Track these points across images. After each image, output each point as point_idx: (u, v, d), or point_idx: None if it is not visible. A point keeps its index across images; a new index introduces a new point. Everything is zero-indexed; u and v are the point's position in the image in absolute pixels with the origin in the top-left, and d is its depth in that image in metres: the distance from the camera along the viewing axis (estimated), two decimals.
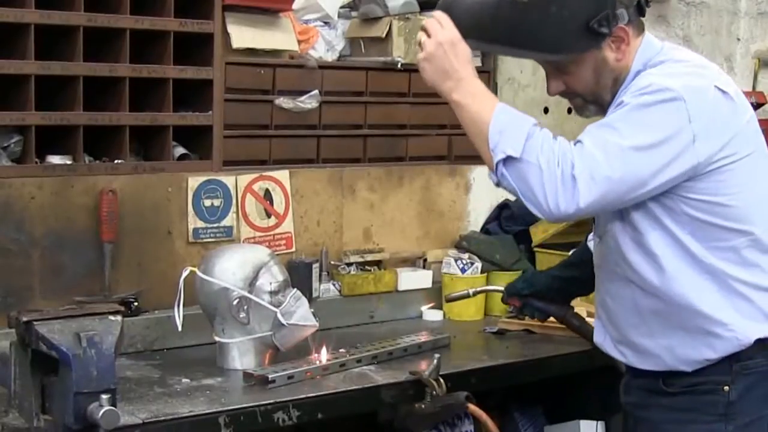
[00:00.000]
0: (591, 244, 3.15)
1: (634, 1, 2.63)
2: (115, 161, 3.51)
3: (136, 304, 3.47)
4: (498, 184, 2.58)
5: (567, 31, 2.56)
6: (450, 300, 3.87)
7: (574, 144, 2.50)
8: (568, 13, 2.54)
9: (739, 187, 2.59)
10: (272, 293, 3.25)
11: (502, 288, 3.66)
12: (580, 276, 3.35)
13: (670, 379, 2.70)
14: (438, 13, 2.66)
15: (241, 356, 3.28)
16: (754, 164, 2.62)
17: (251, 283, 3.24)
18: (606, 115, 2.64)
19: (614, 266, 2.73)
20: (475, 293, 3.80)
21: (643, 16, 2.68)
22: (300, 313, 3.28)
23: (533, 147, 2.47)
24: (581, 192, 2.44)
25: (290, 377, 3.14)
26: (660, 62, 2.65)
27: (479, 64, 4.37)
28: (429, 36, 2.63)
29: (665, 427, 2.72)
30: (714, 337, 2.62)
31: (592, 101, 2.72)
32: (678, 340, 2.66)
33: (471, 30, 2.62)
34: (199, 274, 3.27)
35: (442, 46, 2.60)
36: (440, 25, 2.63)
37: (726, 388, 2.63)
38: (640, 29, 2.69)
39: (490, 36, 2.64)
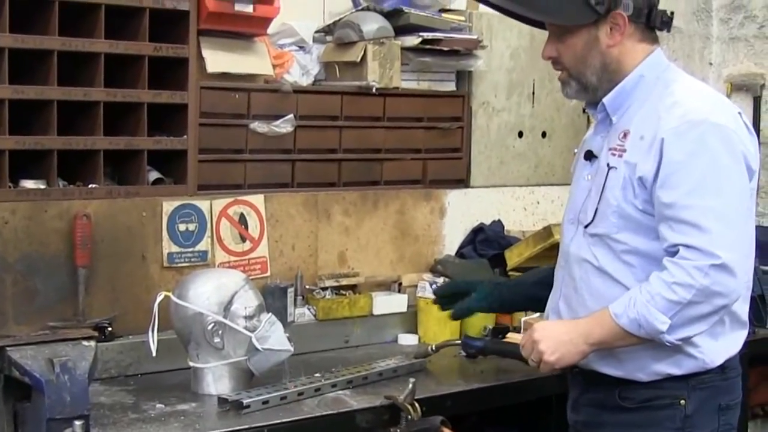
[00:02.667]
0: None
1: (645, 3, 2.72)
2: (90, 186, 3.49)
3: (110, 329, 3.45)
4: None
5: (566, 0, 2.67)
6: (417, 357, 3.80)
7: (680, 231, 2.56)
8: None
9: None
10: (247, 318, 3.25)
11: (460, 341, 3.73)
12: (542, 297, 3.38)
13: (626, 392, 2.72)
14: (520, 339, 2.83)
15: (216, 381, 3.26)
16: (753, 194, 2.74)
17: (226, 308, 3.24)
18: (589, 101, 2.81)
19: (591, 261, 2.75)
20: (438, 348, 3.77)
21: (653, 27, 2.76)
22: (275, 338, 3.27)
23: (661, 303, 2.54)
24: (735, 266, 2.52)
25: (265, 402, 3.13)
26: (671, 81, 2.74)
27: (453, 89, 4.39)
28: (531, 349, 2.75)
29: None
30: (684, 355, 2.66)
31: (575, 78, 2.77)
32: (645, 348, 2.66)
33: None
34: (174, 299, 3.26)
35: (544, 340, 2.71)
36: (530, 338, 2.76)
37: (683, 402, 2.69)
38: (650, 37, 2.77)
39: None
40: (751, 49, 5.34)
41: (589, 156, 2.81)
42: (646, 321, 2.55)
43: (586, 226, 2.74)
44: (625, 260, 2.68)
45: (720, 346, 2.69)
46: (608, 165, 2.70)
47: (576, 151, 3.01)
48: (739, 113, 2.71)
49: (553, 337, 2.69)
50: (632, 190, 2.64)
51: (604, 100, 2.77)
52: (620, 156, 2.68)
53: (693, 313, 2.53)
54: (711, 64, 5.46)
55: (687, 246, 2.53)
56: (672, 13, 2.80)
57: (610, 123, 2.78)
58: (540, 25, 2.88)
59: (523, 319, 4.00)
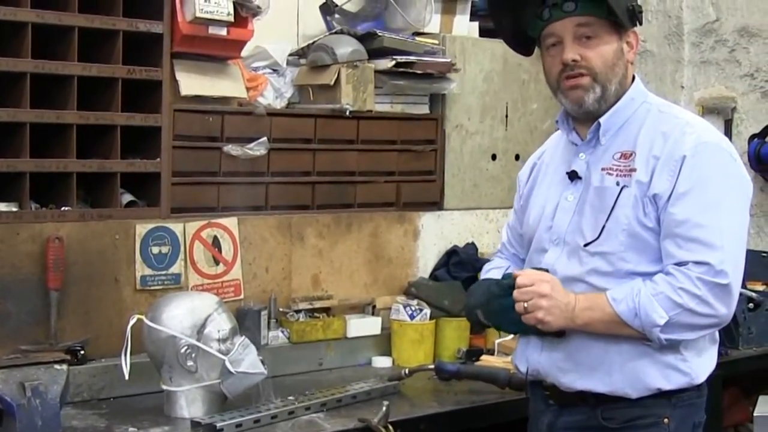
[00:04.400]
0: None
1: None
2: (62, 208, 3.49)
3: (82, 352, 3.43)
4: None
5: (621, 3, 2.70)
6: (391, 380, 3.79)
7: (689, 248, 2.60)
8: None
9: None
10: (220, 341, 3.24)
11: (433, 366, 3.77)
12: None
13: (609, 412, 2.71)
14: (525, 278, 2.73)
15: (189, 404, 3.25)
16: None
17: (199, 331, 3.23)
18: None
19: (588, 281, 2.74)
20: (411, 372, 3.76)
21: None
22: (248, 361, 3.26)
23: (664, 301, 2.58)
24: (735, 289, 2.60)
25: (238, 426, 3.12)
26: (663, 105, 2.82)
27: (427, 112, 4.41)
28: (530, 298, 2.69)
29: None
30: (672, 369, 2.67)
31: (601, 83, 2.75)
32: (639, 361, 2.67)
33: None
34: (147, 322, 3.24)
35: (549, 298, 2.68)
36: (535, 284, 2.70)
37: (666, 420, 2.69)
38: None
39: None
40: (722, 72, 5.38)
41: (574, 176, 2.80)
42: (645, 312, 2.58)
43: (586, 245, 2.72)
44: (625, 279, 2.68)
45: (704, 362, 2.73)
46: (618, 184, 2.70)
47: (526, 172, 3.03)
48: None
49: (556, 299, 2.68)
50: (642, 209, 2.66)
51: (602, 120, 2.77)
52: (627, 175, 2.69)
53: (689, 320, 2.58)
54: (683, 87, 5.50)
55: (697, 262, 2.57)
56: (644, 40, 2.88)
57: (597, 144, 2.78)
58: (523, 48, 2.91)
59: (497, 341, 4.02)
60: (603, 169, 2.74)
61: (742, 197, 2.69)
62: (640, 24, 2.76)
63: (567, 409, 2.79)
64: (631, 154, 2.71)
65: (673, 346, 2.64)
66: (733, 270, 2.59)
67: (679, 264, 2.59)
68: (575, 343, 2.73)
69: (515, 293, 2.71)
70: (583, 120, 2.80)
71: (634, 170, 2.69)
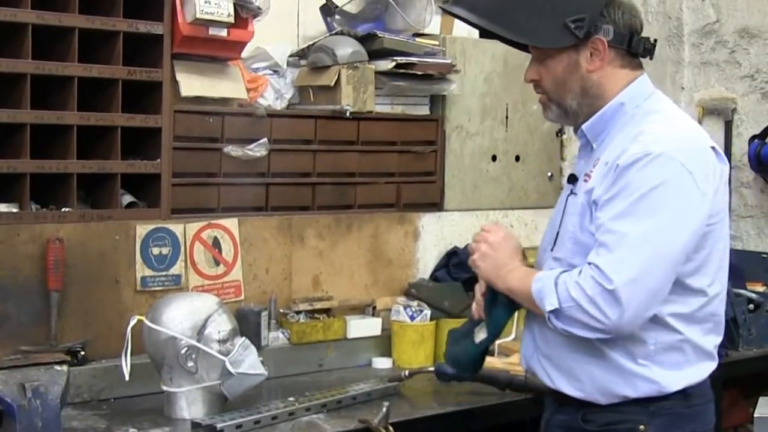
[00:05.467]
0: None
1: (627, 30, 2.70)
2: (63, 209, 3.49)
3: (82, 353, 3.44)
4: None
5: (545, 23, 2.65)
6: (391, 380, 3.79)
7: (597, 251, 2.55)
8: (550, 6, 2.65)
9: (710, 248, 2.64)
10: (220, 342, 3.24)
11: (432, 369, 3.76)
12: None
13: (589, 415, 2.70)
14: (487, 226, 2.84)
15: (189, 405, 3.25)
16: (724, 224, 2.71)
17: (199, 332, 3.23)
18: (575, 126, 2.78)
19: None
20: (411, 374, 3.77)
21: (636, 55, 2.74)
22: (248, 362, 3.26)
23: (563, 292, 2.56)
24: (623, 297, 2.50)
25: (239, 426, 3.12)
26: (650, 111, 2.70)
27: (427, 113, 4.41)
28: (480, 240, 2.78)
29: None
30: (635, 377, 2.64)
31: (556, 102, 2.76)
32: (602, 369, 2.66)
33: (466, 3, 2.75)
34: (147, 322, 3.25)
35: (491, 247, 2.76)
36: (489, 232, 2.78)
37: (642, 427, 2.66)
38: (633, 63, 2.75)
39: (478, 7, 2.73)
40: (722, 73, 5.39)
41: (572, 179, 2.79)
42: (543, 296, 2.58)
43: (551, 250, 2.75)
44: None
45: (675, 370, 2.66)
46: (571, 191, 2.72)
47: (552, 173, 3.04)
48: (713, 147, 2.67)
49: (495, 251, 2.74)
50: (589, 216, 2.63)
51: (584, 127, 2.75)
52: (585, 182, 2.68)
53: (579, 316, 2.54)
54: (683, 88, 5.50)
55: (594, 264, 2.53)
56: (655, 40, 2.80)
57: (591, 149, 2.77)
58: (524, 47, 2.86)
59: (497, 342, 4.01)
60: (585, 175, 2.72)
61: (673, 208, 2.54)
62: (595, 33, 2.66)
63: (563, 407, 2.78)
64: (598, 161, 2.69)
65: (629, 354, 2.61)
66: (624, 278, 2.49)
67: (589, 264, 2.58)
68: (554, 347, 2.72)
69: (475, 234, 2.81)
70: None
71: (590, 177, 2.67)
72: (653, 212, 2.53)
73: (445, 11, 2.90)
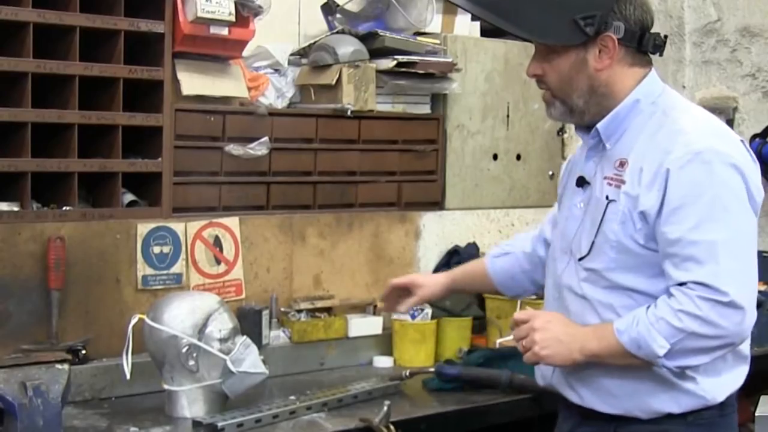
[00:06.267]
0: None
1: (638, 26, 2.63)
2: (64, 208, 3.49)
3: (83, 352, 3.44)
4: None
5: (553, 19, 2.58)
6: (392, 379, 3.79)
7: (684, 267, 2.48)
8: (560, 1, 2.58)
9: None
10: (222, 341, 3.24)
11: (432, 369, 3.76)
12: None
13: (623, 427, 2.63)
14: (518, 315, 2.68)
15: (191, 404, 3.25)
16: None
17: (200, 331, 3.23)
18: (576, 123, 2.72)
19: (586, 296, 2.65)
20: (412, 374, 3.76)
21: (646, 51, 2.67)
22: (250, 361, 3.26)
23: (665, 329, 2.46)
24: (742, 302, 2.45)
25: (240, 425, 3.12)
26: (670, 108, 2.66)
27: (428, 111, 4.41)
28: (526, 335, 2.63)
29: None
30: (682, 392, 2.57)
31: (560, 99, 2.67)
32: (644, 386, 2.58)
33: None
34: (148, 321, 3.25)
35: (543, 331, 2.60)
36: (529, 320, 2.64)
37: None
38: (642, 60, 2.68)
39: (486, 2, 2.64)
40: (723, 72, 5.38)
41: (581, 182, 2.71)
42: (645, 342, 2.46)
43: (580, 259, 2.64)
44: (620, 297, 2.59)
45: (722, 382, 2.62)
46: (607, 197, 2.60)
47: (553, 172, 2.99)
48: (741, 141, 2.62)
49: (552, 332, 2.58)
50: (632, 225, 2.54)
51: (599, 126, 2.65)
52: (617, 187, 2.58)
53: (696, 344, 2.46)
54: (684, 87, 5.50)
55: (696, 282, 2.44)
56: (666, 36, 2.73)
57: (603, 149, 2.67)
58: (526, 39, 2.74)
59: (498, 341, 4.01)
60: (605, 178, 2.63)
61: (737, 200, 2.51)
62: (605, 30, 2.59)
63: (586, 420, 2.71)
64: (625, 163, 2.60)
65: (688, 378, 2.55)
66: (735, 283, 2.44)
67: (680, 285, 2.47)
68: (585, 365, 2.63)
69: (514, 332, 2.66)
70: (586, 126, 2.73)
71: (624, 182, 2.57)
72: (727, 212, 2.48)
73: (449, 1, 2.80)
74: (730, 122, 5.32)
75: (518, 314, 2.66)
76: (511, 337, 3.76)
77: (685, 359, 2.48)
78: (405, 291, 3.24)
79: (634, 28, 2.62)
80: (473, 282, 3.27)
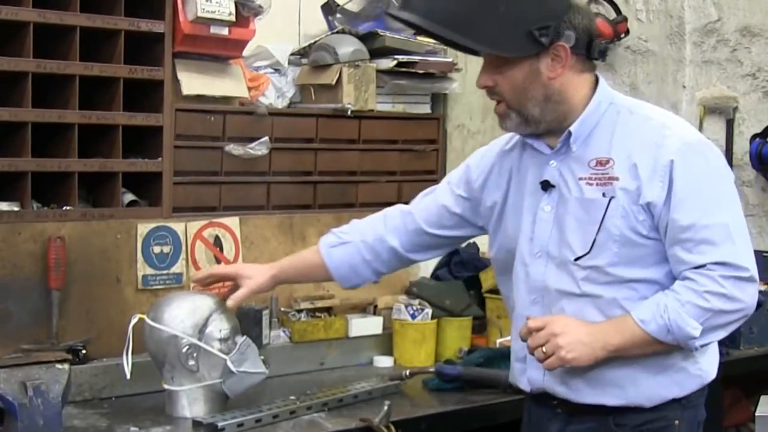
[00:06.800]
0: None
1: (586, 34, 2.67)
2: (64, 208, 3.49)
3: (83, 351, 3.44)
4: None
5: (509, 31, 2.59)
6: (392, 379, 3.79)
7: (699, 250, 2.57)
8: (514, 14, 2.58)
9: None
10: (222, 340, 3.23)
11: (433, 369, 3.75)
12: None
13: (621, 419, 2.67)
14: (532, 323, 2.65)
15: (191, 404, 3.25)
16: None
17: (201, 331, 3.22)
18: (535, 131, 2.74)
19: (588, 292, 2.67)
20: (412, 374, 3.77)
21: (593, 57, 2.71)
22: (250, 361, 3.26)
23: (692, 310, 2.54)
24: (755, 275, 2.59)
25: (240, 425, 3.12)
26: (632, 105, 2.75)
27: (428, 111, 4.41)
28: (546, 341, 2.61)
29: None
30: (685, 374, 2.66)
31: (516, 110, 2.71)
32: (649, 373, 2.64)
33: (421, 7, 2.63)
34: (148, 321, 3.24)
35: (564, 335, 2.60)
36: (546, 325, 2.62)
37: (677, 422, 2.67)
38: (590, 66, 2.73)
39: (436, 16, 2.61)
40: (723, 72, 5.38)
41: (546, 186, 2.73)
42: (678, 327, 2.53)
43: (576, 259, 2.65)
44: (622, 290, 2.63)
45: (712, 358, 2.73)
46: (604, 195, 2.63)
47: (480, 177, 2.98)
48: None
49: (574, 335, 2.59)
50: (634, 217, 2.60)
51: (572, 129, 2.68)
52: (607, 184, 2.63)
53: (720, 321, 2.56)
54: (684, 87, 5.49)
55: (716, 263, 2.54)
56: (608, 42, 2.79)
57: (566, 151, 2.71)
58: (474, 52, 2.79)
59: (498, 341, 4.01)
60: (581, 179, 2.67)
61: (731, 185, 2.67)
62: (557, 39, 2.62)
63: (577, 416, 2.73)
64: (608, 161, 2.64)
65: (689, 351, 2.62)
66: (750, 259, 2.58)
67: (697, 267, 2.55)
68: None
69: (529, 341, 2.64)
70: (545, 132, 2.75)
71: (615, 179, 2.62)
72: (729, 196, 2.64)
73: (392, 17, 2.79)
74: (730, 122, 5.32)
75: (532, 322, 2.65)
76: (509, 337, 3.78)
77: (711, 336, 2.58)
78: (231, 282, 3.24)
79: (583, 36, 2.67)
80: (305, 273, 3.25)
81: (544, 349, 2.60)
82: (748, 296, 2.57)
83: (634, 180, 2.60)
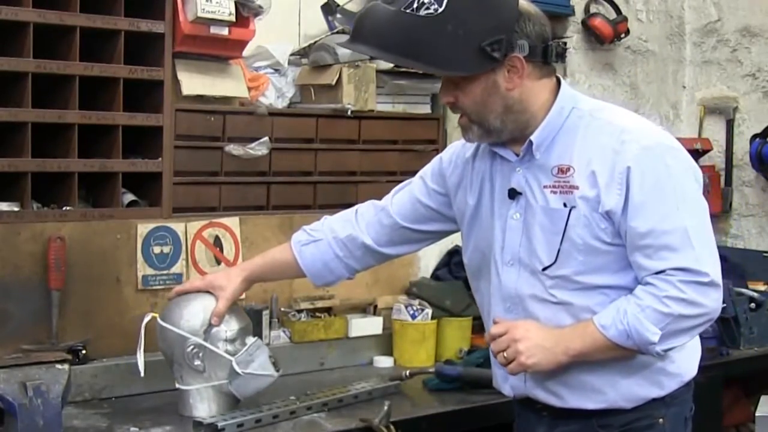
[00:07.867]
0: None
1: (540, 40, 2.65)
2: (64, 208, 3.49)
3: (83, 352, 3.44)
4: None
5: (460, 50, 2.57)
6: (392, 379, 3.79)
7: (659, 256, 2.55)
8: (463, 32, 2.55)
9: None
10: (228, 341, 3.21)
11: (433, 369, 3.76)
12: None
13: (604, 420, 2.68)
14: (495, 329, 2.69)
15: (200, 404, 3.23)
16: None
17: (206, 331, 3.21)
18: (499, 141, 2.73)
19: (561, 300, 2.67)
20: (412, 375, 3.77)
21: (550, 62, 2.69)
22: (258, 363, 3.22)
23: (652, 315, 2.54)
24: (717, 279, 2.56)
25: (240, 425, 3.12)
26: (595, 109, 2.71)
27: (428, 111, 4.40)
28: (507, 346, 2.64)
29: None
30: (663, 374, 2.67)
31: (477, 122, 2.71)
32: (627, 375, 2.66)
33: (372, 38, 2.62)
34: (158, 320, 3.23)
35: (525, 340, 2.62)
36: (508, 330, 2.65)
37: (661, 420, 2.68)
38: (548, 70, 2.70)
39: (387, 44, 2.61)
40: (723, 72, 5.39)
41: (513, 194, 2.73)
42: (636, 332, 2.53)
43: (544, 269, 2.66)
44: (593, 296, 2.63)
45: (691, 356, 2.74)
46: (565, 204, 2.63)
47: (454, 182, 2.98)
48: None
49: (534, 340, 2.61)
50: (596, 225, 2.59)
51: (533, 138, 2.68)
52: (568, 193, 2.62)
53: (682, 325, 2.54)
54: (684, 87, 5.50)
55: (674, 268, 2.52)
56: (565, 43, 2.76)
57: (530, 158, 2.70)
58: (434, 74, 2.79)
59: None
60: (545, 187, 2.66)
61: (693, 188, 2.63)
62: (511, 51, 2.60)
63: (562, 420, 2.75)
64: (568, 169, 2.63)
65: (667, 359, 2.64)
66: (711, 263, 2.55)
67: (658, 273, 2.55)
68: (564, 367, 2.66)
69: (492, 346, 2.67)
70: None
71: (576, 187, 2.61)
72: (689, 199, 2.59)
73: (345, 47, 2.77)
74: (730, 122, 5.33)
75: (494, 328, 2.68)
76: None
77: (672, 341, 2.56)
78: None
79: (537, 42, 2.64)
80: (277, 272, 3.27)
81: (505, 354, 2.63)
82: (711, 300, 2.55)
83: (593, 188, 2.59)
